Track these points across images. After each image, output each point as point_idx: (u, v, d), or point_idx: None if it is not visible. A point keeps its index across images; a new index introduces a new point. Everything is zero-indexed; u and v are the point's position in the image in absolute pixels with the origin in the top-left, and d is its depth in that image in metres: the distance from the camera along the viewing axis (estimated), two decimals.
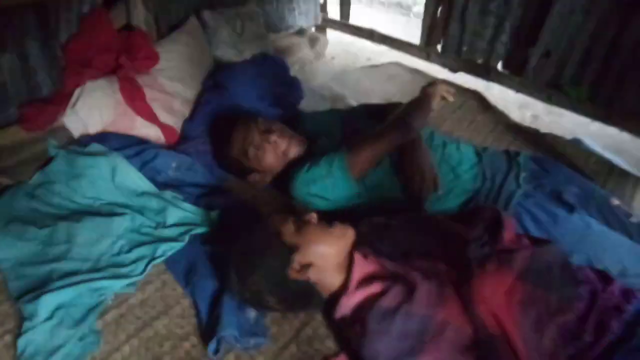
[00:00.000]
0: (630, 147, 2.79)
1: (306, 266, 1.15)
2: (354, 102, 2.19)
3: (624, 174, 1.99)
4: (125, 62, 1.66)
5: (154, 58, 1.74)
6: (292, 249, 1.14)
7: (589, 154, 2.10)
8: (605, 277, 1.18)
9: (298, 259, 1.14)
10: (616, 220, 1.44)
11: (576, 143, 2.44)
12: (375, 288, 1.14)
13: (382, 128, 1.47)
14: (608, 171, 1.99)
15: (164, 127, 1.70)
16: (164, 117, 1.71)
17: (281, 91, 2.06)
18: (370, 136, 1.46)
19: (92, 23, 1.68)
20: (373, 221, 1.33)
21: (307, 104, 2.18)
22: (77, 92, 1.59)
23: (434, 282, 1.11)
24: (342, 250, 1.21)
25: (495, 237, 1.16)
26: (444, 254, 1.18)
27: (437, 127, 2.11)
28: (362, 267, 1.20)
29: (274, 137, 1.52)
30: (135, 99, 1.64)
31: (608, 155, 2.37)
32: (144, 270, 1.29)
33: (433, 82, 1.65)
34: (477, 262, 1.09)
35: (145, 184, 1.51)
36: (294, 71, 2.49)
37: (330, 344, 1.18)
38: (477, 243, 1.13)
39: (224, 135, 1.58)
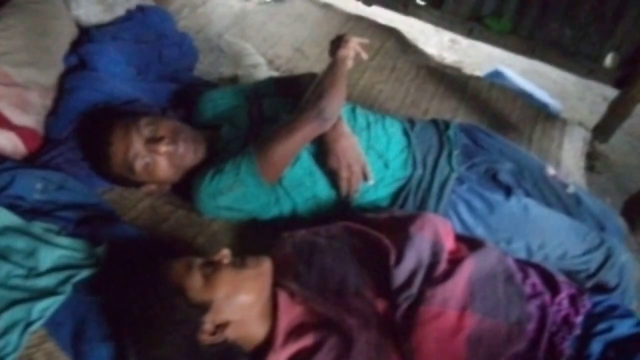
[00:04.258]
0: (546, 69, 2.70)
1: (222, 326, 0.95)
2: (260, 59, 1.88)
3: (550, 118, 1.93)
4: None
5: None
6: (202, 309, 0.94)
7: (515, 97, 1.99)
8: (551, 281, 1.09)
9: (211, 320, 0.94)
10: (553, 195, 1.36)
11: (497, 77, 2.34)
12: (306, 341, 0.98)
13: (294, 119, 1.22)
14: (534, 117, 1.91)
15: (20, 131, 1.33)
16: (18, 117, 1.33)
17: (170, 55, 1.71)
18: (281, 131, 1.21)
19: None
20: (296, 239, 1.14)
21: (204, 66, 1.84)
22: None
23: (373, 330, 0.96)
24: (263, 292, 1.02)
25: (431, 266, 1.02)
26: (380, 283, 1.02)
27: (357, 81, 1.89)
28: (289, 312, 1.02)
29: (163, 147, 1.22)
30: None
31: (529, 87, 2.30)
32: (19, 343, 1.03)
33: (342, 39, 1.37)
34: (409, 314, 0.95)
35: (4, 217, 1.18)
36: (183, 18, 2.09)
37: None
38: (404, 291, 0.98)
39: (99, 143, 1.26)
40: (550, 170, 1.40)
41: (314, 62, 1.98)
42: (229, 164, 1.21)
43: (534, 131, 1.84)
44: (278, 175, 1.23)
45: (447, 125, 1.43)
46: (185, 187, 1.30)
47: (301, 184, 1.28)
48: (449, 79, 2.00)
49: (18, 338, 1.04)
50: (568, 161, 1.73)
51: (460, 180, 1.31)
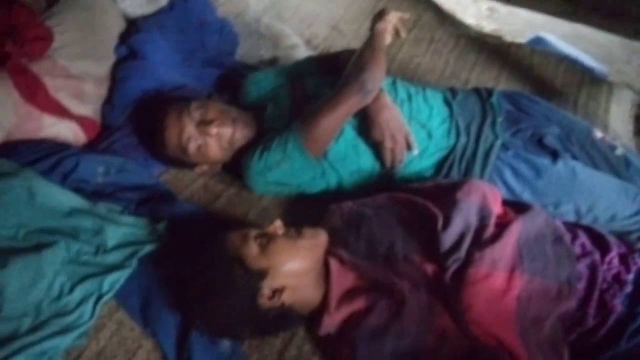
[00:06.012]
0: (589, 32, 2.60)
1: (279, 291, 1.01)
2: (298, 40, 1.91)
3: (595, 82, 1.87)
4: (13, 50, 1.33)
5: (46, 37, 1.40)
6: (260, 275, 0.99)
7: (558, 62, 1.94)
8: (600, 241, 1.09)
9: (268, 285, 1.00)
10: (601, 157, 1.34)
11: (539, 43, 2.28)
12: (359, 304, 1.02)
13: (336, 93, 1.25)
14: (579, 82, 1.86)
15: (79, 120, 1.42)
16: (76, 107, 1.42)
17: (212, 41, 1.76)
18: (324, 106, 1.25)
19: None
20: (344, 211, 1.18)
21: (244, 50, 1.89)
22: None
23: (423, 292, 0.99)
24: (317, 261, 1.07)
25: (479, 229, 1.04)
26: (428, 248, 1.04)
27: (394, 55, 1.90)
28: (341, 278, 1.06)
29: (214, 129, 1.28)
30: (35, 94, 1.33)
31: (574, 52, 2.23)
32: (93, 313, 1.12)
33: (382, 12, 1.39)
34: (458, 275, 0.97)
35: (72, 200, 1.27)
36: (221, 4, 2.13)
37: None
38: (452, 255, 1.00)
39: (154, 128, 1.33)
40: (598, 133, 1.38)
41: (351, 39, 2.00)
42: (276, 140, 1.26)
43: (579, 95, 1.80)
44: (323, 149, 1.27)
45: (489, 92, 1.43)
46: (235, 166, 1.36)
47: (346, 157, 1.31)
48: (489, 48, 1.98)
49: (92, 308, 1.13)
50: (616, 124, 1.70)
51: (505, 147, 1.31)
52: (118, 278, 1.17)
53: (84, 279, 1.17)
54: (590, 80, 1.86)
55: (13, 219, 1.23)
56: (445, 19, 2.14)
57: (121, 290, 1.16)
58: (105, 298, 1.15)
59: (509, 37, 2.30)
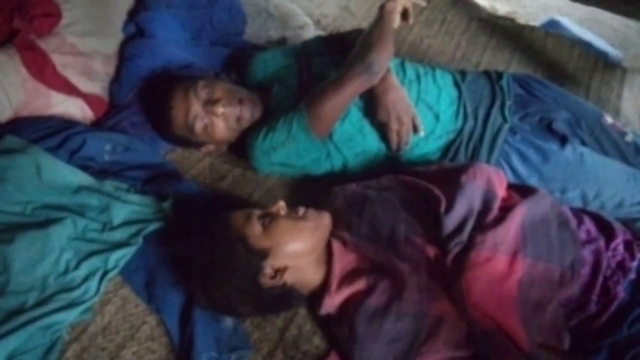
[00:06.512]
0: (606, 16, 2.55)
1: (281, 270, 1.01)
2: (307, 20, 1.89)
3: (608, 67, 1.84)
4: (21, 25, 1.33)
5: (55, 13, 1.40)
6: (262, 255, 1.00)
7: (572, 45, 1.91)
8: (606, 227, 1.08)
9: (270, 265, 1.00)
10: (610, 143, 1.33)
11: (553, 26, 2.24)
12: (360, 284, 1.03)
13: (342, 73, 1.24)
14: (592, 66, 1.83)
15: (87, 98, 1.43)
16: (84, 84, 1.43)
17: (220, 20, 1.75)
18: (330, 86, 1.24)
19: None
20: (347, 192, 1.18)
21: (253, 30, 1.88)
22: None
23: (423, 274, 0.99)
24: (319, 242, 1.07)
25: (482, 213, 1.03)
26: (430, 231, 1.04)
27: (405, 37, 1.87)
28: (343, 259, 1.07)
29: (220, 109, 1.28)
30: (43, 71, 1.34)
31: (588, 36, 2.19)
32: (99, 289, 1.13)
33: None
34: (459, 259, 0.97)
35: (79, 177, 1.29)
36: None
37: (318, 342, 1.08)
38: (454, 238, 0.99)
39: (161, 107, 1.33)
40: (608, 119, 1.36)
41: (361, 19, 1.98)
42: (281, 121, 1.25)
43: (591, 80, 1.77)
44: (328, 129, 1.27)
45: (499, 75, 1.41)
46: (241, 147, 1.37)
47: (351, 139, 1.31)
48: (501, 30, 1.95)
49: (97, 284, 1.14)
50: (627, 110, 1.67)
51: (513, 131, 1.29)
52: (123, 255, 1.19)
53: (89, 255, 1.19)
54: (603, 65, 1.82)
55: (20, 195, 1.25)
56: (457, 0, 2.10)
57: (126, 267, 1.18)
58: (111, 274, 1.16)
59: (522, 20, 2.26)
